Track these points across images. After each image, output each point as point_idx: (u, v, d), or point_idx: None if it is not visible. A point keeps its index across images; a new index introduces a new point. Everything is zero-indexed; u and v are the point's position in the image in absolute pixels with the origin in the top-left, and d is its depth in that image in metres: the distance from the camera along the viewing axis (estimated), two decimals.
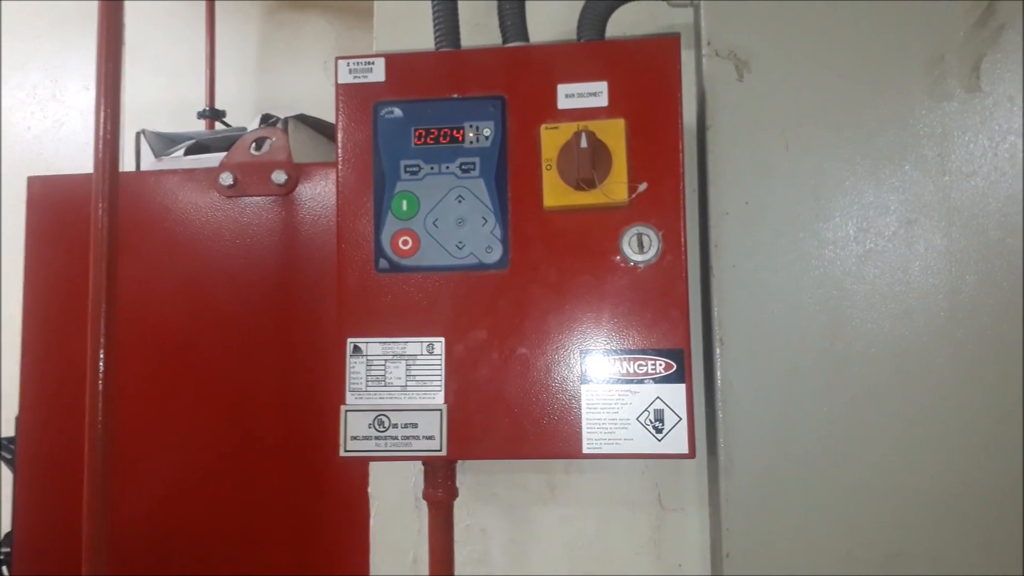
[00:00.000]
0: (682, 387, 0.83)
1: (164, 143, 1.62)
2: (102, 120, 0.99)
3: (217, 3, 2.38)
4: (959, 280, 0.87)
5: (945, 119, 0.88)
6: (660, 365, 0.84)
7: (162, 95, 2.42)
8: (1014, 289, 0.86)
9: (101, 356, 0.98)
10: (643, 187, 0.85)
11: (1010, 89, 0.87)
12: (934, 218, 0.87)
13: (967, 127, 0.87)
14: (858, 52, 0.89)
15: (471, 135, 0.88)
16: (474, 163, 0.88)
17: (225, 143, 1.45)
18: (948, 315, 0.86)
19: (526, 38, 0.96)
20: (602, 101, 0.87)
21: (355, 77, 0.91)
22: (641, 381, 0.84)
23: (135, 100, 2.35)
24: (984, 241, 0.86)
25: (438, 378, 0.86)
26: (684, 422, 0.83)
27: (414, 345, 0.87)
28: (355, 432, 0.87)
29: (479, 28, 1.09)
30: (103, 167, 0.99)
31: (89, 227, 0.99)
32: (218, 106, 2.33)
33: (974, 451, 0.86)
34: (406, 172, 0.89)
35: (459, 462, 0.98)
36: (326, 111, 1.10)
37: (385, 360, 0.87)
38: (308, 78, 2.46)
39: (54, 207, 1.32)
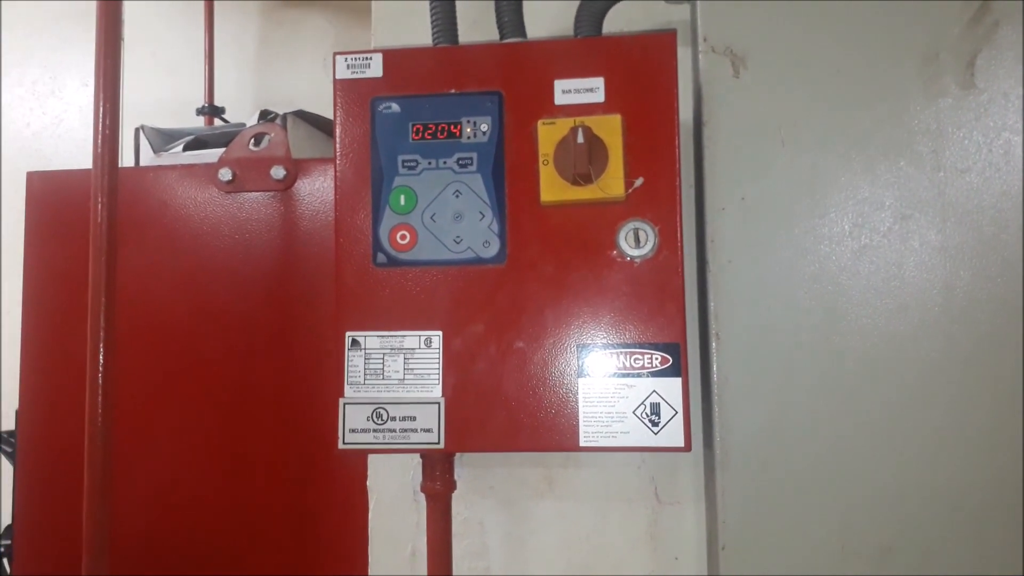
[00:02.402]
0: (678, 381, 0.84)
1: (163, 139, 1.62)
2: (101, 115, 1.00)
3: (216, 1, 2.39)
4: (953, 276, 0.87)
5: (940, 116, 0.88)
6: (656, 359, 0.85)
7: (162, 92, 2.42)
8: (1008, 285, 0.86)
9: (101, 350, 0.99)
10: (639, 182, 0.86)
11: (1004, 86, 0.87)
12: (929, 214, 0.88)
13: (962, 123, 0.88)
14: (853, 49, 0.90)
15: (468, 130, 0.89)
16: (471, 158, 0.88)
17: (224, 139, 1.45)
18: (942, 310, 0.87)
19: (523, 35, 0.97)
20: (599, 97, 0.87)
21: (353, 73, 0.91)
22: (637, 375, 0.85)
23: (134, 97, 2.36)
24: (979, 237, 0.87)
25: (436, 371, 0.87)
26: (680, 416, 0.84)
27: (412, 339, 0.88)
28: (353, 425, 0.87)
29: (477, 25, 1.09)
30: (102, 162, 1.00)
31: (88, 222, 1.00)
32: (217, 103, 2.34)
33: (968, 446, 0.86)
34: (404, 167, 0.89)
35: (457, 455, 0.99)
36: (325, 108, 1.10)
37: (383, 354, 0.88)
38: (307, 75, 2.46)
39: (54, 203, 1.32)
